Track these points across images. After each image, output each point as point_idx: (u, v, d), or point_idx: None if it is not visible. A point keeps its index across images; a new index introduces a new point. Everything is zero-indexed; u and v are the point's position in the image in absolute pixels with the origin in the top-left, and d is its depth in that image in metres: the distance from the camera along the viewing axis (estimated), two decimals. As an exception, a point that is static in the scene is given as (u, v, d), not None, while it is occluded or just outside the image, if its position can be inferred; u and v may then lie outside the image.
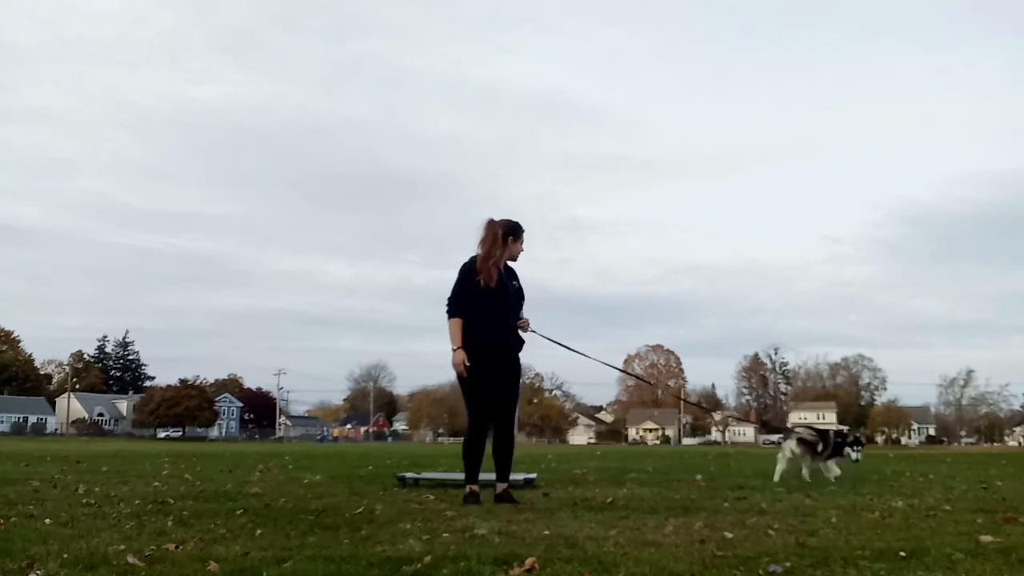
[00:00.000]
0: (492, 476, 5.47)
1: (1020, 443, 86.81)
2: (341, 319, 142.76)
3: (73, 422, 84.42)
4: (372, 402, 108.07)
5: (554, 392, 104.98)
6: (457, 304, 5.48)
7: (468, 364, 5.36)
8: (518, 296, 5.67)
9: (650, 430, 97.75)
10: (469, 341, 5.41)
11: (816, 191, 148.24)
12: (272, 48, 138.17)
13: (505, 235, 5.55)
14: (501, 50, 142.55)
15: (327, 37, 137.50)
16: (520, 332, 5.64)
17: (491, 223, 5.57)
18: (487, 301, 5.44)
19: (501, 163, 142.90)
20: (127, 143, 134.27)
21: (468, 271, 5.52)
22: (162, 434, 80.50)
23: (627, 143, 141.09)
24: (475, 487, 5.39)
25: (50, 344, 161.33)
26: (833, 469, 7.55)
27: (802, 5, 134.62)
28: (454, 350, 5.41)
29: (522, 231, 5.65)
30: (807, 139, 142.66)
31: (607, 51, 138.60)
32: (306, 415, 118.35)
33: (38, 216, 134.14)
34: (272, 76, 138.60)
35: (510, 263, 5.67)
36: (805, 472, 7.62)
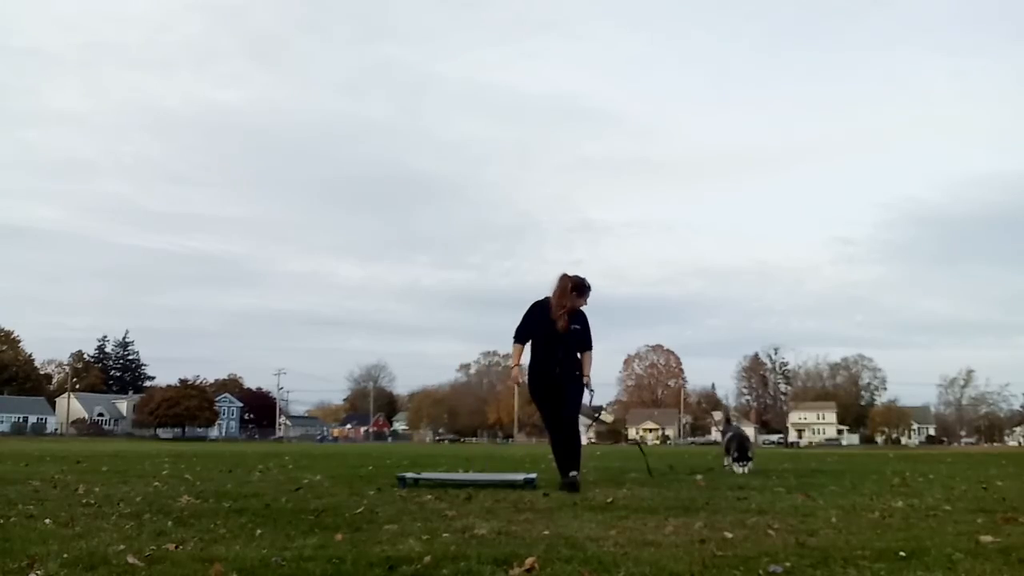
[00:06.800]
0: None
1: (1020, 443, 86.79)
2: (347, 319, 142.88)
3: (73, 422, 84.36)
4: (372, 402, 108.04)
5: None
6: (519, 334, 6.72)
7: (522, 382, 6.72)
8: (576, 336, 6.68)
9: (650, 430, 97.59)
10: (529, 365, 6.71)
11: (828, 193, 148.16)
12: (296, 53, 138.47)
13: (573, 288, 6.59)
14: (521, 55, 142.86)
15: (350, 42, 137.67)
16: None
17: (563, 277, 6.64)
18: (541, 337, 6.65)
19: (517, 166, 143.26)
20: (148, 146, 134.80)
21: (534, 309, 6.69)
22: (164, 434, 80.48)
23: (641, 146, 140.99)
24: (563, 477, 6.39)
25: (53, 344, 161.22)
26: None
27: (818, 9, 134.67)
28: (511, 367, 6.83)
29: (588, 289, 6.67)
30: (819, 141, 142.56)
31: (623, 56, 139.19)
32: (306, 415, 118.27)
33: (56, 218, 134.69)
34: (295, 80, 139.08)
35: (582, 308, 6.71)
36: None
